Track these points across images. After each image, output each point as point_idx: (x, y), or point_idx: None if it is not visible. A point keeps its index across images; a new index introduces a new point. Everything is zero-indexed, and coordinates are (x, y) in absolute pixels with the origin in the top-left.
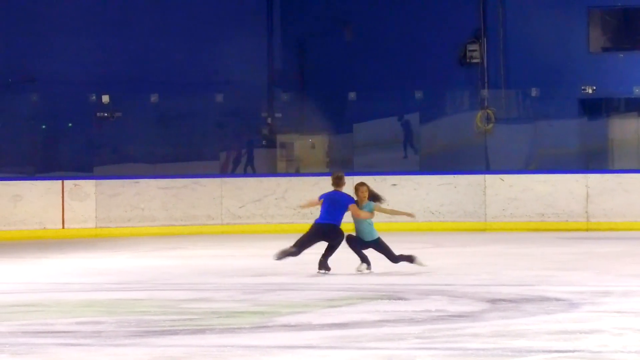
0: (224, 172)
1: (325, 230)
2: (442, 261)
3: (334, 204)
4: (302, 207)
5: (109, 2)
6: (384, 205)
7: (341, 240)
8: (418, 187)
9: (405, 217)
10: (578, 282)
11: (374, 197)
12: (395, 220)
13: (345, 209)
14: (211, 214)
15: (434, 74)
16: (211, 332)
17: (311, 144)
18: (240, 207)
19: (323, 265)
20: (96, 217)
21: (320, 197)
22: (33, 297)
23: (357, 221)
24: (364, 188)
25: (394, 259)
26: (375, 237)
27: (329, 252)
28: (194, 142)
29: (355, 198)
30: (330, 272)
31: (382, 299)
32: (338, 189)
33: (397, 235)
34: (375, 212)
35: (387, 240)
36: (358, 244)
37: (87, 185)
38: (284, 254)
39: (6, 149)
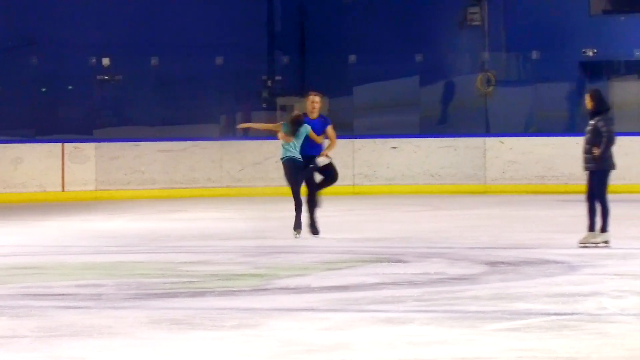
0: (223, 135)
1: None
2: (442, 224)
3: None
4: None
5: None
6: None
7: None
8: (418, 150)
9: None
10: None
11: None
12: (395, 183)
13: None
14: (211, 177)
15: (435, 36)
16: (211, 295)
17: None
18: (240, 170)
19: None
20: (96, 179)
21: None
22: (33, 260)
23: None
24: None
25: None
26: (281, 156)
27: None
28: (194, 105)
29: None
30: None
31: (381, 261)
32: None
33: (397, 197)
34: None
35: (389, 202)
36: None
37: (87, 148)
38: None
39: (6, 112)
